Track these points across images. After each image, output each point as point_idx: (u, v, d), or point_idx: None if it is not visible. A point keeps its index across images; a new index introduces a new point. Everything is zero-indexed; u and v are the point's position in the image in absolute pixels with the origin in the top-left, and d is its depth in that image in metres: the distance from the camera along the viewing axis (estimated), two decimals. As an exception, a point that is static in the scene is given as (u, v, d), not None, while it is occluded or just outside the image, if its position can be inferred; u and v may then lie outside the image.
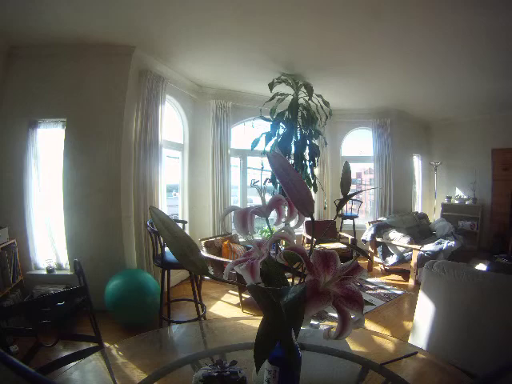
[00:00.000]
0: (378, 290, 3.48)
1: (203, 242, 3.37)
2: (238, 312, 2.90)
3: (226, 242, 3.46)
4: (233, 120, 4.17)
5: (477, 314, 1.15)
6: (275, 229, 0.71)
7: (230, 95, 4.11)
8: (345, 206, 4.80)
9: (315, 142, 3.64)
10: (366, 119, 5.13)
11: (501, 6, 2.05)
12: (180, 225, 2.17)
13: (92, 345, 1.17)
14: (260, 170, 3.43)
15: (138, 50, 2.82)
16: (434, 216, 5.69)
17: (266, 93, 3.35)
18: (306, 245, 3.86)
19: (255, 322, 1.27)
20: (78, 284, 1.23)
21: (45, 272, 2.81)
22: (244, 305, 2.98)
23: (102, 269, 2.64)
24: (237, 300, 3.09)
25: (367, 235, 4.29)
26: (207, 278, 3.19)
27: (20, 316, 2.08)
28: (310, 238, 4.05)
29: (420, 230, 4.70)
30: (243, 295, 3.05)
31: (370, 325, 2.63)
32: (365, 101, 4.67)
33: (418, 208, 5.94)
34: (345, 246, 3.74)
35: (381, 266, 4.21)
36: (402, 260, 3.93)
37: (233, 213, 0.61)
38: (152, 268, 3.00)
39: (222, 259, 3.15)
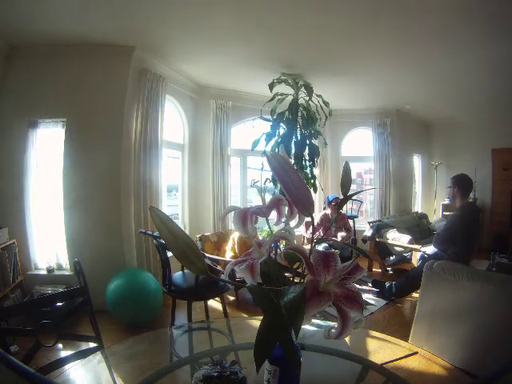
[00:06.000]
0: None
1: (198, 236, 3.38)
2: (234, 311, 2.90)
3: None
4: (233, 120, 4.16)
5: (477, 314, 1.15)
6: (275, 229, 0.71)
7: (230, 95, 4.11)
8: (345, 206, 4.80)
9: (315, 142, 3.64)
10: (366, 119, 5.12)
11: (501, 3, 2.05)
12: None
13: (92, 345, 1.17)
14: (260, 169, 3.43)
15: (138, 50, 2.82)
16: (434, 216, 5.68)
17: (266, 93, 3.35)
18: (308, 245, 3.85)
19: (255, 322, 1.27)
20: (78, 284, 1.23)
21: (45, 272, 2.81)
22: (240, 304, 3.00)
23: (102, 269, 2.64)
24: (232, 298, 3.10)
25: (367, 235, 4.29)
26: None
27: (20, 316, 2.08)
28: (309, 237, 4.04)
29: (420, 230, 4.69)
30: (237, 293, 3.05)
31: (370, 325, 2.62)
32: (365, 101, 4.67)
33: (418, 208, 5.94)
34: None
35: (381, 266, 4.20)
36: (402, 260, 3.93)
37: (233, 213, 0.60)
38: (152, 267, 3.00)
39: (218, 258, 3.15)
